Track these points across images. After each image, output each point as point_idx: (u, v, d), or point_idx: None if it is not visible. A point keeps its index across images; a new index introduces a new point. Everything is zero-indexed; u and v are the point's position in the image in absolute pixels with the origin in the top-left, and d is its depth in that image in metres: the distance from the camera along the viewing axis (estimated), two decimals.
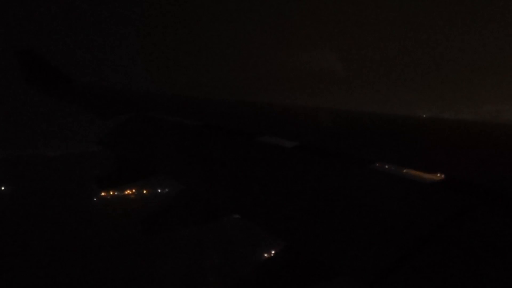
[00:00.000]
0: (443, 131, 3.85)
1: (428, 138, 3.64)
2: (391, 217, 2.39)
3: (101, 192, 74.12)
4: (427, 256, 2.01)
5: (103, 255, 51.78)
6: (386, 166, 3.25)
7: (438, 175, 2.72)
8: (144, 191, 73.47)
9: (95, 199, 73.27)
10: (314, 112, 5.49)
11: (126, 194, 74.33)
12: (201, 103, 6.73)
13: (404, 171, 2.98)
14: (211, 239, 50.97)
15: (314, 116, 5.15)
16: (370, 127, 4.27)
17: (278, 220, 2.87)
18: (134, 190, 74.20)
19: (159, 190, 72.05)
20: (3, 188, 79.13)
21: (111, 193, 74.79)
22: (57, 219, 61.98)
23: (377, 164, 3.18)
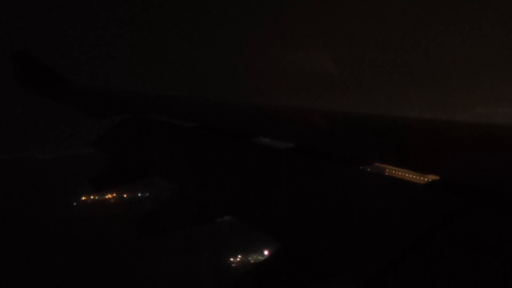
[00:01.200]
0: (437, 132, 3.88)
1: (422, 139, 3.66)
2: (386, 218, 2.41)
3: (81, 196, 73.55)
4: (421, 256, 2.04)
5: (72, 259, 51.36)
6: (381, 167, 3.30)
7: (432, 176, 2.73)
8: (125, 195, 72.73)
9: (75, 203, 72.34)
10: (308, 114, 5.50)
11: (107, 198, 73.49)
12: (196, 104, 6.74)
13: (399, 172, 3.02)
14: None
15: (308, 118, 5.16)
16: (364, 129, 4.29)
17: (273, 221, 2.88)
18: (114, 194, 73.42)
19: (139, 194, 71.35)
20: None
21: (92, 197, 73.87)
22: (33, 222, 61.07)
23: (372, 165, 3.21)
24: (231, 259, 53.17)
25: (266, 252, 53.23)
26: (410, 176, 2.92)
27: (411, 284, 1.94)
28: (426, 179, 2.79)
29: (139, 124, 5.87)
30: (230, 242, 50.31)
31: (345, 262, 2.25)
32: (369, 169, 3.17)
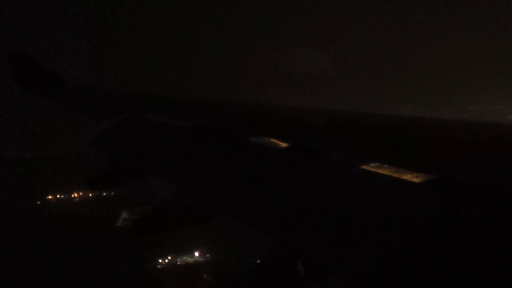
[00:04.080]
0: (434, 131, 3.86)
1: (419, 138, 3.67)
2: (383, 216, 2.43)
3: (48, 195, 72.23)
4: (419, 255, 2.05)
5: (24, 260, 50.50)
6: (377, 166, 3.24)
7: (430, 174, 2.73)
8: (90, 194, 71.49)
9: (38, 202, 70.75)
10: (305, 113, 5.45)
11: (72, 197, 72.34)
12: (193, 104, 6.70)
13: (396, 171, 2.99)
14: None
15: (305, 117, 5.14)
16: (360, 128, 4.29)
17: (271, 220, 2.89)
18: (81, 193, 72.21)
19: (105, 194, 70.29)
20: None
21: (58, 196, 72.54)
22: None
23: (369, 164, 3.20)
24: (160, 260, 53.10)
25: (196, 254, 53.31)
26: (407, 174, 2.89)
27: (410, 282, 1.97)
28: (423, 178, 2.77)
29: (137, 124, 5.86)
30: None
31: (344, 261, 2.28)
32: (366, 168, 3.16)
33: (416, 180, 2.74)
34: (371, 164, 3.18)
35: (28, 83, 9.26)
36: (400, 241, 2.17)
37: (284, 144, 3.88)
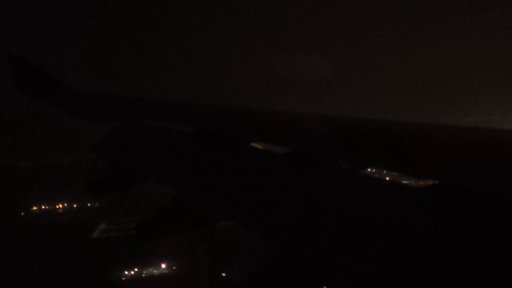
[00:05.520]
0: (434, 136, 3.89)
1: (419, 143, 3.68)
2: (383, 221, 2.42)
3: (32, 206, 71.54)
4: (420, 260, 2.05)
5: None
6: (378, 172, 3.28)
7: (430, 179, 2.74)
8: (74, 205, 71.02)
9: (22, 213, 69.99)
10: (305, 118, 5.44)
11: (56, 208, 71.78)
12: (192, 109, 6.69)
13: (396, 176, 3.00)
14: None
15: (305, 122, 5.14)
16: (361, 133, 4.30)
17: (271, 226, 2.86)
18: (65, 204, 71.71)
19: (89, 204, 69.76)
20: None
21: (43, 206, 71.95)
22: None
23: (369, 170, 3.22)
24: (126, 272, 52.99)
25: (163, 266, 52.98)
26: (408, 179, 2.92)
27: (411, 287, 1.97)
28: (423, 183, 2.80)
29: (136, 129, 5.84)
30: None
31: (344, 266, 2.27)
32: (366, 173, 3.18)
33: (416, 185, 2.77)
34: (371, 169, 3.20)
35: (27, 87, 9.22)
36: (400, 246, 2.17)
37: (284, 149, 3.88)
